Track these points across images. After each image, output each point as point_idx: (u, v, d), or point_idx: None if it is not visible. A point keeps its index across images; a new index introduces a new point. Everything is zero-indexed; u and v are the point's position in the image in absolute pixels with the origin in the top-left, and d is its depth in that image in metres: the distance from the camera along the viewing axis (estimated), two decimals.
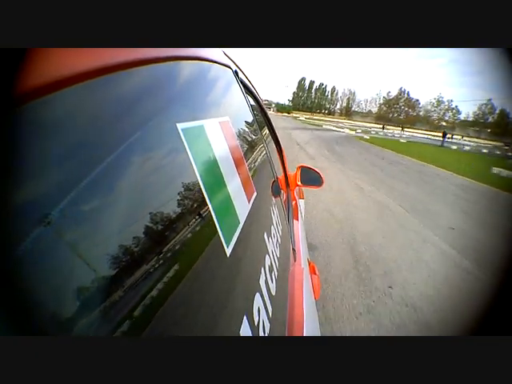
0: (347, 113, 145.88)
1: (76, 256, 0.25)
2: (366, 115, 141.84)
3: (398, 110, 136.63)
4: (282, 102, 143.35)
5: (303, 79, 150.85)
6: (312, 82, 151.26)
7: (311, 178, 2.36)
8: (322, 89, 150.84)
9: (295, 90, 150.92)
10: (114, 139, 0.33)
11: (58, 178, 0.25)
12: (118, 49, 0.34)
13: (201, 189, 0.48)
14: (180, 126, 0.47)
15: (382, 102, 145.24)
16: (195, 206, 0.47)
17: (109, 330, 0.27)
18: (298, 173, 2.33)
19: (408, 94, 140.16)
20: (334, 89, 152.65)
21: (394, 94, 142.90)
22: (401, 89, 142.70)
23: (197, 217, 0.46)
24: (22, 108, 0.23)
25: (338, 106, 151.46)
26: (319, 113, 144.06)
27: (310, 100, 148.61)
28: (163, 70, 0.48)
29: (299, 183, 2.31)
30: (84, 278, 0.25)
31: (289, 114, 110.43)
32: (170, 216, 0.40)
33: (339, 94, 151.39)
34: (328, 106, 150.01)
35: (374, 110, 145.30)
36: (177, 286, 0.38)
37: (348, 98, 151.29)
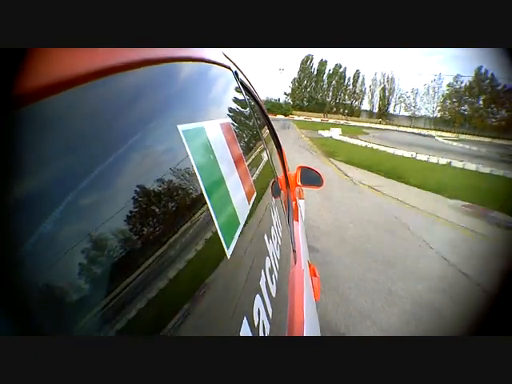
0: (382, 112, 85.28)
1: (76, 256, 0.25)
2: (417, 117, 78.34)
3: (480, 107, 69.98)
4: (274, 96, 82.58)
5: (309, 58, 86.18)
6: (323, 63, 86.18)
7: (311, 178, 2.36)
8: (338, 73, 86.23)
9: (296, 75, 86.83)
10: (114, 141, 0.33)
11: (58, 179, 0.25)
12: (118, 49, 0.34)
13: (201, 190, 0.48)
14: (181, 127, 0.47)
15: (445, 92, 77.37)
16: (196, 207, 0.47)
17: (109, 330, 0.27)
18: (298, 173, 2.32)
19: (493, 77, 68.85)
20: (357, 74, 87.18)
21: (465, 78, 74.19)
22: (480, 69, 71.53)
23: (197, 218, 0.46)
24: (22, 109, 0.23)
25: (366, 102, 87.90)
26: (335, 113, 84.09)
27: (321, 92, 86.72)
28: (164, 71, 0.48)
29: (299, 183, 2.31)
30: (84, 278, 0.25)
31: (286, 116, 65.77)
32: (171, 217, 0.40)
33: (367, 83, 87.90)
34: (349, 103, 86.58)
35: (427, 106, 79.57)
36: (177, 287, 0.38)
37: (383, 88, 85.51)
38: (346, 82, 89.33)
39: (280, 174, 1.82)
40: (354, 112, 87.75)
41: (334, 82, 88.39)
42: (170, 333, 0.34)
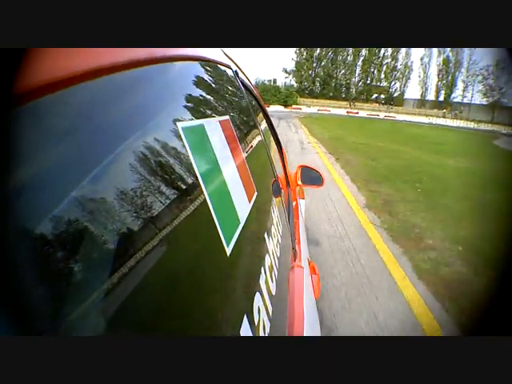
0: (444, 99, 51.09)
1: (76, 256, 0.25)
2: (503, 106, 42.76)
3: None
4: (268, 76, 62.22)
5: None
6: None
7: (312, 177, 2.36)
8: None
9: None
10: (114, 138, 0.33)
11: (58, 178, 0.25)
12: (118, 49, 0.34)
13: (201, 188, 0.48)
14: (181, 125, 0.47)
15: None
16: (195, 205, 0.47)
17: (109, 330, 0.27)
18: (299, 172, 2.32)
19: None
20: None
21: None
22: None
23: (197, 216, 0.46)
24: (22, 108, 0.23)
25: (416, 83, 55.08)
26: (366, 101, 53.20)
27: (343, 67, 53.77)
28: (165, 69, 0.48)
29: (300, 183, 2.31)
30: (84, 277, 0.25)
31: (288, 106, 44.71)
32: (171, 215, 0.40)
33: (416, 53, 56.88)
34: (387, 85, 53.80)
35: None
36: (177, 285, 0.38)
37: (445, 61, 51.16)
38: (383, 52, 53.37)
39: (280, 173, 1.82)
40: (393, 99, 52.40)
41: (363, 51, 52.94)
42: (169, 331, 0.34)
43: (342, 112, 45.55)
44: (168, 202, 0.40)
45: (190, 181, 0.47)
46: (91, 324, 0.25)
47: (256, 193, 0.83)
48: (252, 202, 0.76)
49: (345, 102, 52.28)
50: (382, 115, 45.90)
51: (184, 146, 0.46)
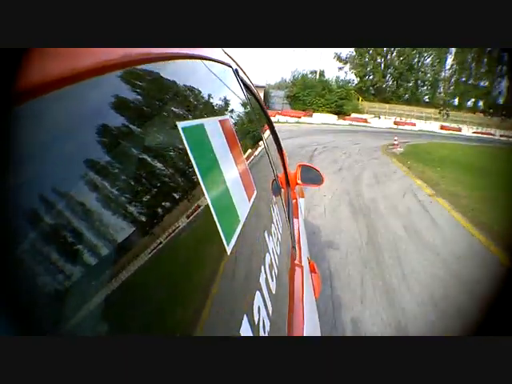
0: None
1: (76, 255, 0.25)
2: None
3: None
4: (309, 66, 43.34)
5: None
6: None
7: (311, 176, 2.36)
8: None
9: None
10: (114, 138, 0.33)
11: (58, 178, 0.25)
12: (118, 48, 0.34)
13: (201, 187, 0.48)
14: (180, 124, 0.47)
15: None
16: (195, 204, 0.47)
17: (108, 330, 0.27)
18: (299, 171, 2.33)
19: None
20: None
21: None
22: None
23: (197, 215, 0.46)
24: (22, 107, 0.23)
25: None
26: (459, 108, 33.54)
27: (428, 56, 33.82)
28: (164, 68, 0.48)
29: (299, 182, 2.32)
30: (84, 277, 0.25)
31: (342, 116, 28.17)
32: (171, 215, 0.40)
33: None
34: (488, 85, 29.88)
35: None
36: (177, 284, 0.38)
37: None
38: None
39: (280, 172, 1.82)
40: (499, 106, 30.37)
41: None
42: (169, 331, 0.34)
43: (434, 127, 30.10)
44: (168, 201, 0.40)
45: (189, 180, 0.47)
46: (92, 324, 0.25)
47: (256, 192, 0.83)
48: (252, 201, 0.76)
49: (429, 110, 34.91)
50: (497, 134, 28.84)
51: (184, 145, 0.46)
